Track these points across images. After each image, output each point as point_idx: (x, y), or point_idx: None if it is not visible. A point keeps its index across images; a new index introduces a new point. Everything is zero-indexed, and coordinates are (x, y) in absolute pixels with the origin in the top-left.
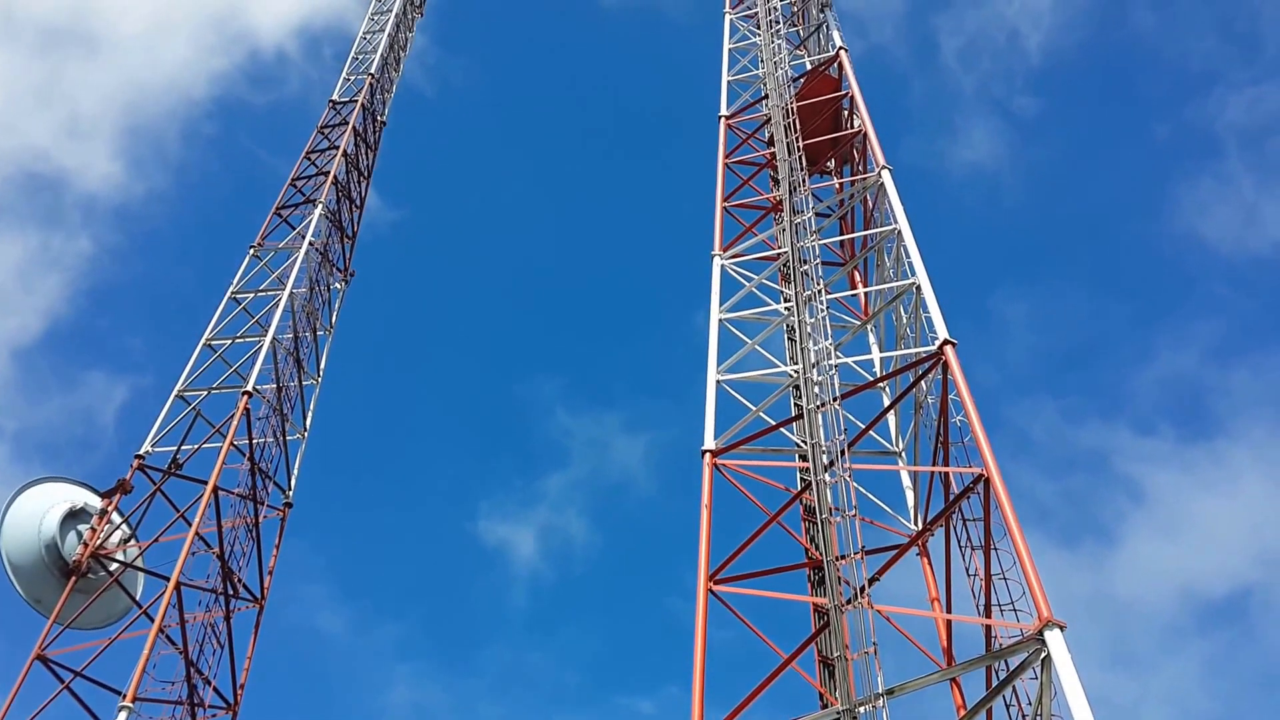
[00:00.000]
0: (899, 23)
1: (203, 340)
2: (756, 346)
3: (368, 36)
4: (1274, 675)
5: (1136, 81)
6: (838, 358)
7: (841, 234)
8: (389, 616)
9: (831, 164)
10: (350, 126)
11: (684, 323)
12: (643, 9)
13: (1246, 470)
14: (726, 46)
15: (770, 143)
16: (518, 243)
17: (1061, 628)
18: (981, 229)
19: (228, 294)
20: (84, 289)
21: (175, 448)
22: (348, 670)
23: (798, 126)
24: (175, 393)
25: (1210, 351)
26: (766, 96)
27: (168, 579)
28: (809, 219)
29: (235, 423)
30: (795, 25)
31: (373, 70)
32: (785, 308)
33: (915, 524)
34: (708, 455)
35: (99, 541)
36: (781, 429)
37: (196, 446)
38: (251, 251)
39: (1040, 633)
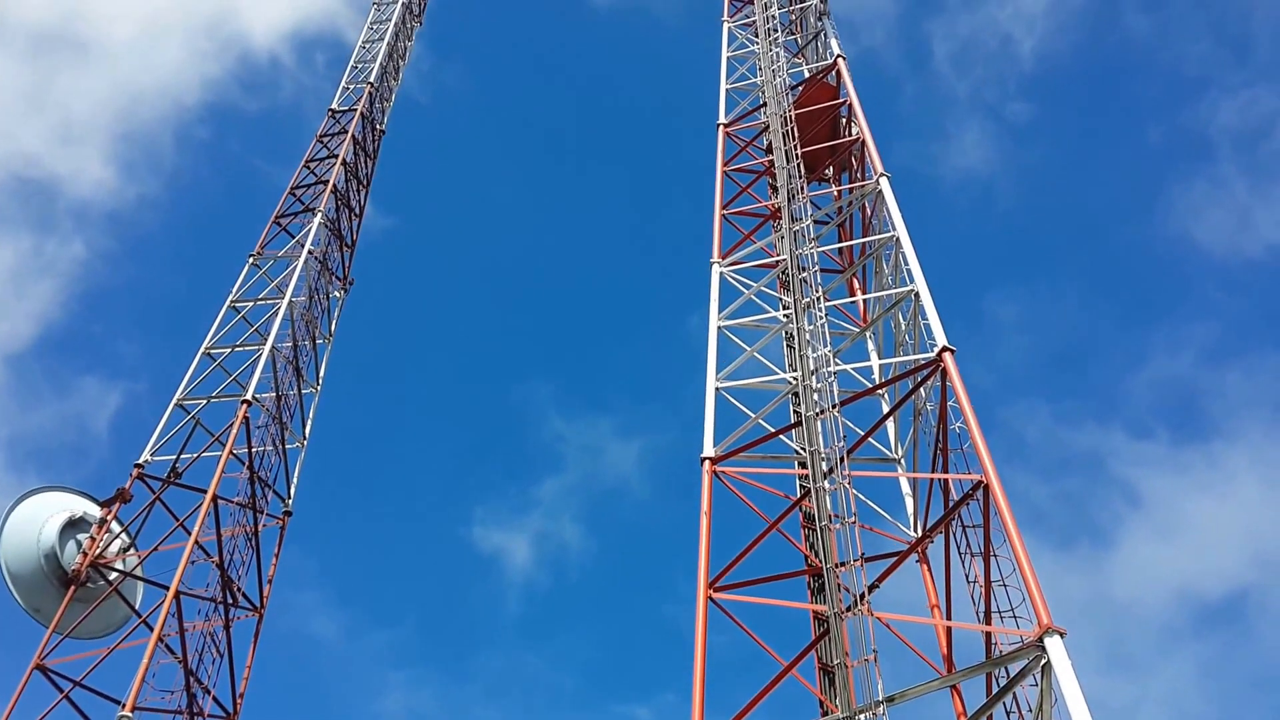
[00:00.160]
0: (890, 27)
1: (202, 349)
2: (755, 354)
3: (367, 45)
4: (1269, 677)
5: (1129, 85)
6: (837, 364)
7: (840, 241)
8: (383, 623)
9: (830, 171)
10: (349, 135)
11: (677, 327)
12: (634, 10)
13: (1242, 472)
14: (725, 54)
15: (769, 150)
16: (510, 247)
17: (1062, 634)
18: (974, 232)
19: (227, 302)
20: (77, 294)
21: (174, 456)
22: (342, 677)
23: (796, 134)
24: (174, 401)
25: (1205, 354)
26: (765, 104)
27: (167, 588)
28: (808, 226)
29: (234, 431)
30: (793, 33)
31: (372, 79)
32: (784, 315)
33: (915, 531)
34: (707, 462)
35: (98, 551)
36: (781, 436)
37: (196, 455)
38: (251, 260)
39: (1040, 639)
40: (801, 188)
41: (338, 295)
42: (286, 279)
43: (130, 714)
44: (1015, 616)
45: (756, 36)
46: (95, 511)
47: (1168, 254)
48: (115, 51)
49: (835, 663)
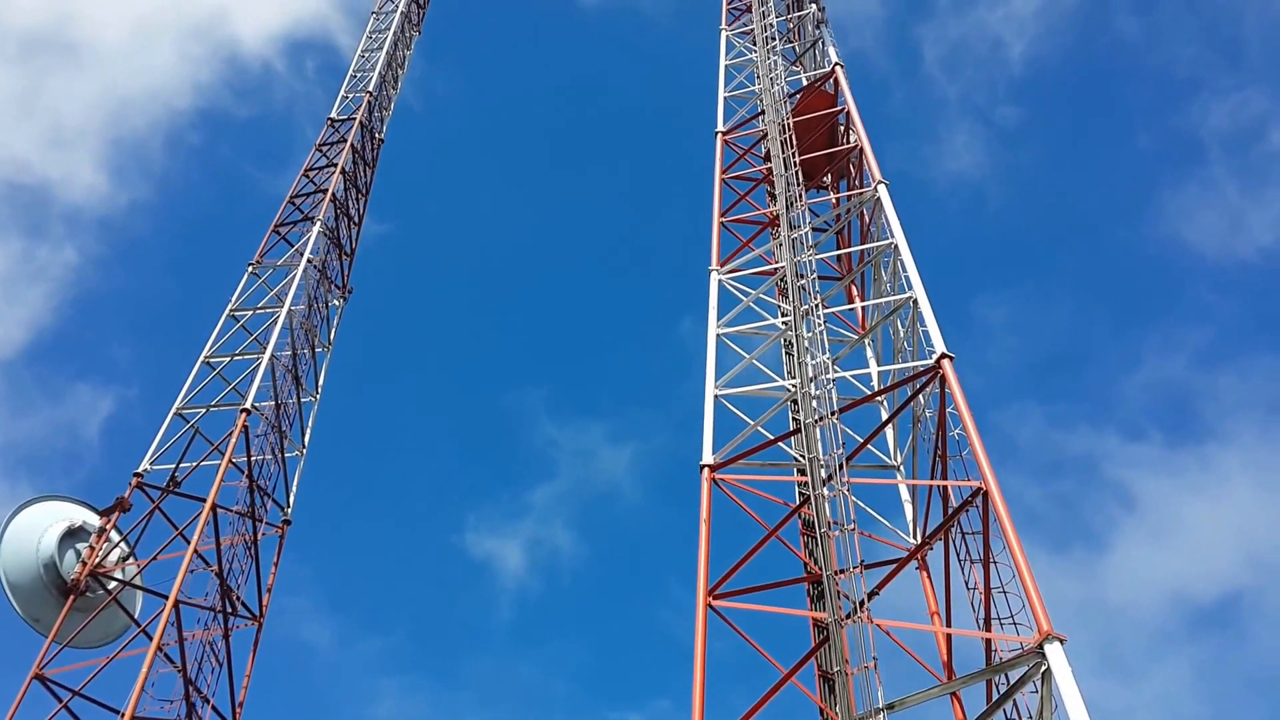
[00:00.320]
0: (879, 29)
1: (201, 357)
2: (754, 361)
3: (365, 55)
4: (1263, 679)
5: (1120, 88)
6: (835, 372)
7: (838, 248)
8: (375, 629)
9: (828, 179)
10: (349, 144)
11: (668, 331)
12: (623, 11)
13: (1235, 474)
14: (723, 63)
15: (767, 158)
16: (500, 253)
17: (1062, 641)
18: (964, 235)
19: (226, 311)
20: (69, 299)
21: (174, 465)
22: (334, 683)
23: (794, 142)
24: (174, 410)
25: (1198, 356)
26: (763, 112)
27: (166, 597)
28: (806, 234)
29: (234, 440)
30: (791, 42)
31: (370, 88)
32: (783, 322)
33: (914, 538)
34: (706, 470)
35: (97, 560)
36: (780, 443)
37: (195, 464)
38: (250, 269)
39: (1040, 646)
40: (800, 195)
41: (337, 304)
42: (286, 288)
43: None
44: (1015, 623)
45: (755, 45)
46: (94, 520)
47: (1160, 257)
48: (105, 55)
49: (835, 670)
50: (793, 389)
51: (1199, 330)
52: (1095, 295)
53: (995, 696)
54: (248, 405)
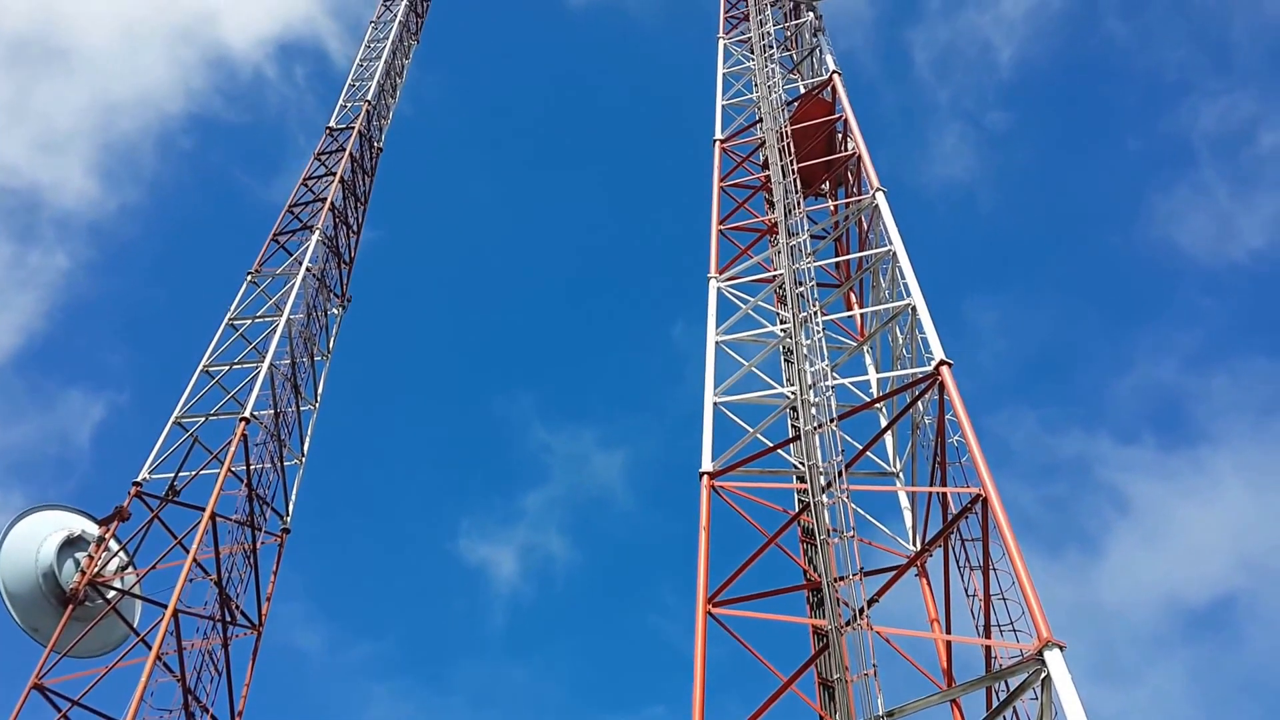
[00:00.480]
0: (869, 32)
1: (200, 366)
2: (753, 368)
3: (364, 64)
4: (1257, 681)
5: (1109, 91)
6: (834, 379)
7: (837, 255)
8: (367, 635)
9: (826, 186)
10: (347, 153)
11: (660, 336)
12: (611, 12)
13: (1228, 477)
14: (720, 71)
15: (765, 166)
16: (490, 257)
17: (1061, 648)
18: (953, 238)
19: (225, 320)
20: (60, 304)
21: (173, 474)
22: (325, 688)
23: (792, 150)
24: (172, 419)
25: (1190, 359)
26: (761, 120)
27: (165, 606)
28: (804, 241)
29: (233, 449)
30: (789, 50)
31: (369, 97)
32: (782, 329)
33: (914, 545)
34: (705, 477)
35: (96, 569)
36: (779, 450)
37: (194, 473)
38: (249, 277)
39: (1040, 653)
40: (798, 203)
41: (336, 312)
42: (285, 296)
43: None
44: (1015, 630)
45: (752, 53)
46: (93, 530)
47: (1150, 259)
48: (94, 59)
49: (835, 677)
50: (792, 396)
51: (1190, 333)
52: (1086, 298)
53: (995, 703)
54: (247, 414)
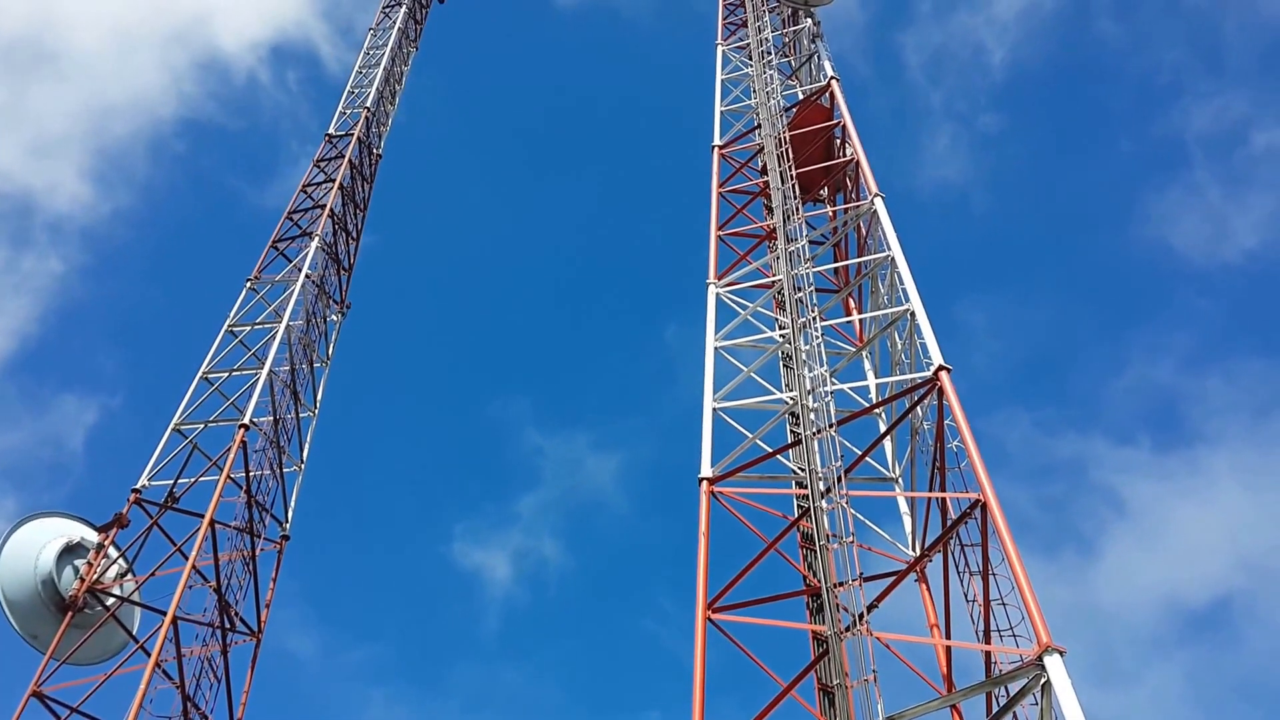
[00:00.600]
0: (859, 35)
1: (199, 373)
2: (752, 374)
3: (363, 71)
4: (1255, 683)
5: (1102, 93)
6: (833, 384)
7: (836, 261)
8: (361, 639)
9: (825, 192)
10: (346, 160)
11: (653, 338)
12: (601, 13)
13: (1224, 477)
14: (719, 77)
15: (764, 171)
16: (481, 260)
17: (1061, 653)
18: (947, 240)
19: (224, 327)
20: (53, 309)
21: (172, 481)
22: (321, 693)
23: (791, 155)
24: (172, 426)
25: (1185, 360)
26: (759, 126)
27: (164, 613)
28: (803, 247)
29: (232, 456)
30: (787, 56)
31: (368, 104)
32: (780, 335)
33: (913, 550)
34: (705, 483)
35: (95, 576)
36: (778, 456)
37: (193, 480)
38: (248, 284)
39: (1040, 658)
40: (797, 208)
41: (335, 319)
42: (284, 303)
43: None
44: (1015, 635)
45: (750, 60)
46: (92, 537)
47: (1144, 261)
48: (85, 63)
49: (835, 683)
50: (791, 401)
51: (1185, 334)
52: (1080, 300)
53: (995, 709)
54: (246, 421)
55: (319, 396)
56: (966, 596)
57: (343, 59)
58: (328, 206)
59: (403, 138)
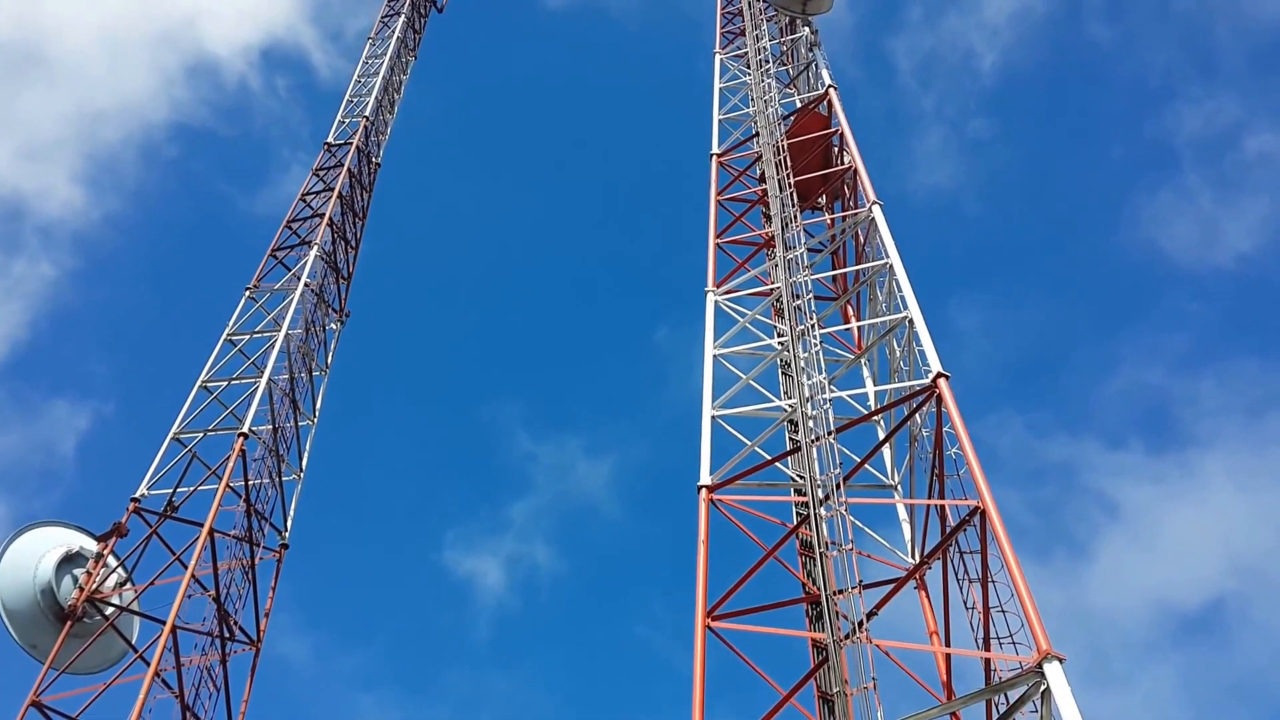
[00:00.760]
0: (849, 40)
1: (198, 382)
2: (751, 381)
3: (362, 80)
4: (1249, 685)
5: (1093, 96)
6: (832, 391)
7: (834, 269)
8: (353, 645)
9: (823, 200)
10: (345, 169)
11: (644, 342)
12: (590, 13)
13: (1217, 480)
14: (717, 86)
15: (762, 179)
16: (470, 265)
17: (1061, 660)
18: (937, 243)
19: (223, 336)
20: (45, 314)
21: (171, 490)
22: (312, 698)
23: (789, 164)
24: (171, 435)
25: (1177, 363)
26: (757, 134)
27: (164, 622)
28: (801, 254)
29: (231, 464)
30: (785, 64)
31: (367, 113)
32: (779, 343)
33: (912, 557)
34: (704, 491)
35: (95, 585)
36: (777, 463)
37: (192, 489)
38: (247, 293)
39: (1039, 665)
40: (795, 216)
41: (334, 327)
42: (283, 312)
43: None
44: (1014, 642)
45: (748, 68)
46: (92, 546)
47: (1136, 264)
48: (75, 67)
49: (834, 691)
50: (790, 409)
51: (1177, 336)
52: (1071, 302)
53: (995, 716)
54: (245, 429)
55: (318, 405)
56: (966, 603)
57: (333, 64)
58: (327, 215)
59: (393, 141)
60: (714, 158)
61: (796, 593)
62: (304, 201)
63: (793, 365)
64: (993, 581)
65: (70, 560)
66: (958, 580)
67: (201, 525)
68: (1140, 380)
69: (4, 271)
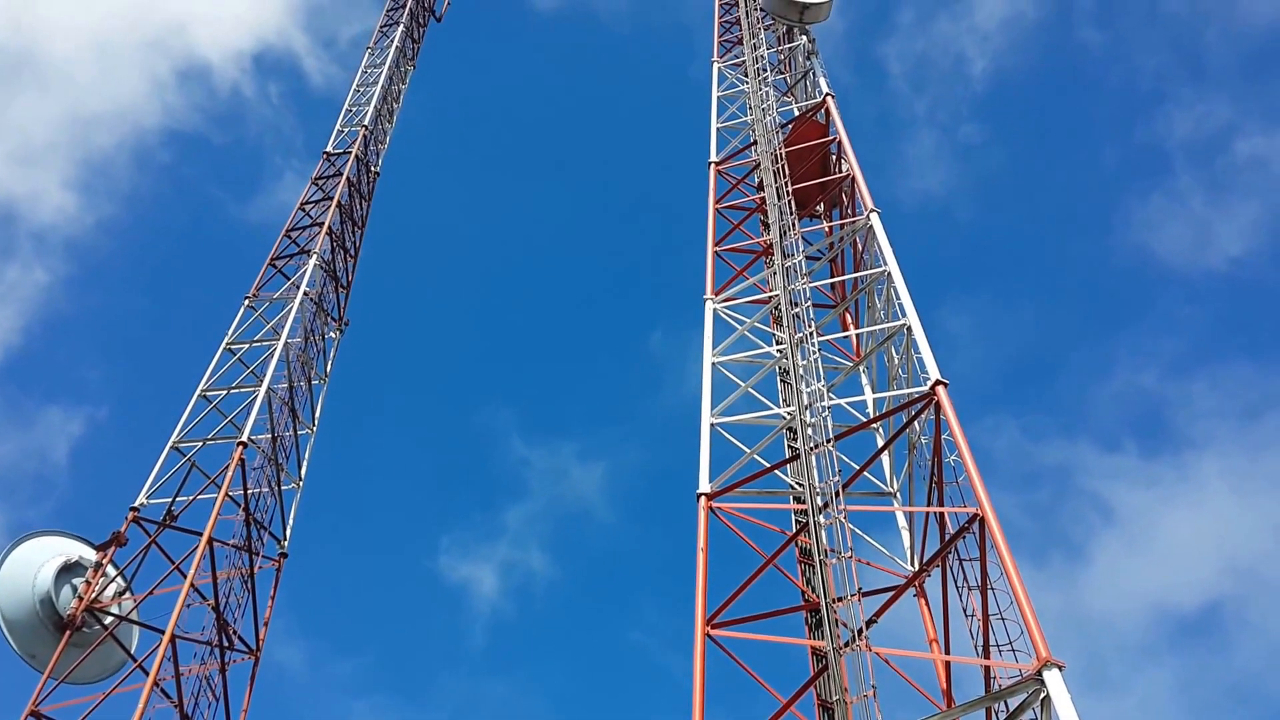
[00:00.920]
0: (840, 45)
1: (198, 391)
2: (750, 389)
3: (361, 89)
4: (1246, 688)
5: (1084, 101)
6: (831, 399)
7: (832, 276)
8: (347, 652)
9: (821, 207)
10: (344, 177)
11: (637, 346)
12: (581, 18)
13: (1212, 482)
14: (715, 94)
15: (760, 187)
16: (463, 270)
17: (1060, 667)
18: (930, 247)
19: (223, 345)
20: (38, 320)
21: (170, 499)
22: (306, 705)
23: (787, 171)
24: (170, 444)
25: (1170, 366)
26: (755, 142)
27: (163, 632)
28: (799, 262)
29: (230, 473)
30: (783, 73)
31: (366, 122)
32: (778, 350)
33: (912, 565)
34: (703, 498)
35: (94, 595)
36: (776, 471)
37: (192, 498)
38: (246, 302)
39: (1039, 673)
40: (793, 224)
41: (333, 336)
42: (282, 321)
43: None
44: (1014, 650)
45: (746, 76)
46: (90, 555)
47: (1128, 267)
48: (68, 72)
49: (834, 699)
50: (788, 416)
51: (1170, 340)
52: (1064, 306)
53: None
54: (244, 438)
55: (317, 414)
56: (965, 611)
57: (326, 71)
58: (326, 224)
59: (396, 152)
60: (712, 166)
61: (796, 600)
62: (303, 210)
63: (791, 373)
64: (992, 589)
65: (69, 570)
66: (957, 587)
67: (201, 534)
68: (1134, 383)
69: None
